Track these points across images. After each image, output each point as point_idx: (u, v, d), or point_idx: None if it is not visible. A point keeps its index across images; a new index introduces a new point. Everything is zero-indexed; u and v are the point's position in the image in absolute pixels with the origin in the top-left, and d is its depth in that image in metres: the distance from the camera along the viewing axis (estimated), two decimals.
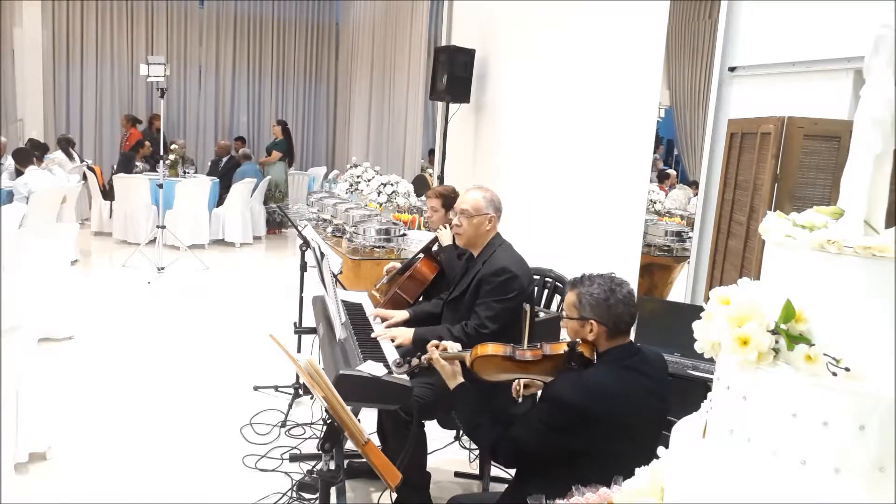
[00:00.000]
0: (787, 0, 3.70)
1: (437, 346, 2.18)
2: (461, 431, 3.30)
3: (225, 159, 9.84)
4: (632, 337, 2.05)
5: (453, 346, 2.18)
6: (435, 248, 3.52)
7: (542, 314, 3.49)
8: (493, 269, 2.61)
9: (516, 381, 2.22)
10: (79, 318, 4.86)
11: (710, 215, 4.06)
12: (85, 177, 8.68)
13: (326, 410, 1.97)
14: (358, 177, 6.12)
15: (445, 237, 3.43)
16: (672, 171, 5.20)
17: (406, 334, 2.70)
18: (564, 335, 2.12)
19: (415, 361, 2.12)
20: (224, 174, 9.34)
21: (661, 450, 1.37)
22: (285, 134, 9.65)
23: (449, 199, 3.59)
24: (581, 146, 5.54)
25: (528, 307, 2.13)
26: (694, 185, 4.70)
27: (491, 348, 2.05)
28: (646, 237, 4.86)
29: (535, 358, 2.02)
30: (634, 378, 1.91)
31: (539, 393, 2.35)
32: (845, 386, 1.02)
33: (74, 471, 3.04)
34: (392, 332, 2.74)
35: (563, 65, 5.83)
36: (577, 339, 1.97)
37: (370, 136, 11.27)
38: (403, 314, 2.93)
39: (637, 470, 1.42)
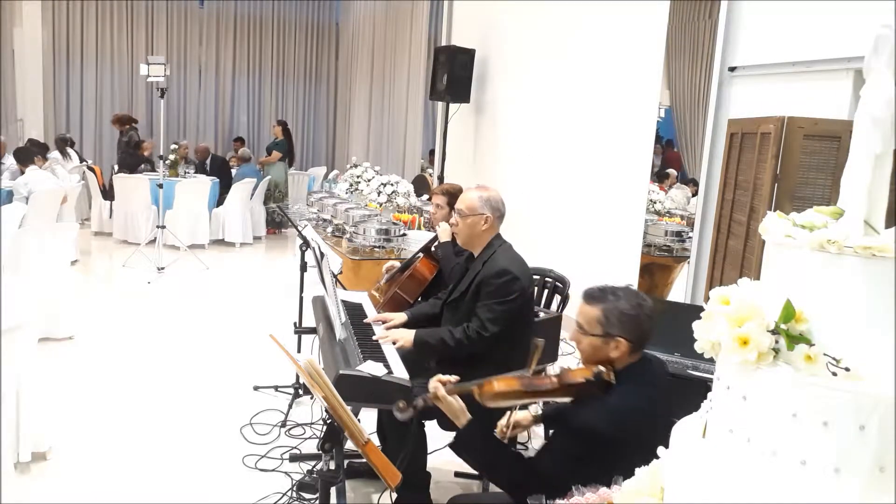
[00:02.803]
0: (787, 0, 3.70)
1: (441, 382, 1.99)
2: None
3: (209, 161, 9.83)
4: None
5: (456, 379, 2.03)
6: (434, 246, 3.52)
7: (542, 314, 3.49)
8: (493, 271, 2.60)
9: (503, 424, 2.08)
10: (79, 318, 4.86)
11: (710, 215, 4.06)
12: (84, 176, 8.69)
13: (326, 410, 1.96)
14: (358, 177, 6.11)
15: (444, 233, 3.43)
16: (672, 171, 5.20)
17: (407, 336, 2.68)
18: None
19: (420, 403, 1.99)
20: (219, 175, 9.31)
21: (661, 450, 1.37)
22: (285, 134, 9.65)
23: (455, 197, 3.59)
24: (581, 146, 5.54)
25: (540, 343, 1.93)
26: (692, 182, 4.70)
27: (503, 385, 1.88)
28: (646, 237, 4.86)
29: (552, 387, 1.87)
30: (652, 392, 1.84)
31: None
32: (845, 386, 1.02)
33: (75, 471, 3.03)
34: (393, 334, 2.73)
35: (563, 65, 5.83)
36: (601, 368, 1.82)
37: (370, 136, 11.27)
38: (402, 316, 2.92)
39: (637, 470, 1.42)
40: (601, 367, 1.82)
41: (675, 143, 5.09)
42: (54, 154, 9.07)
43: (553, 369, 1.90)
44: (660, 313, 2.01)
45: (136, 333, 4.99)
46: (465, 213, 2.72)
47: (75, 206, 7.37)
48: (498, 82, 7.03)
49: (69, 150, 9.58)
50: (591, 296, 1.91)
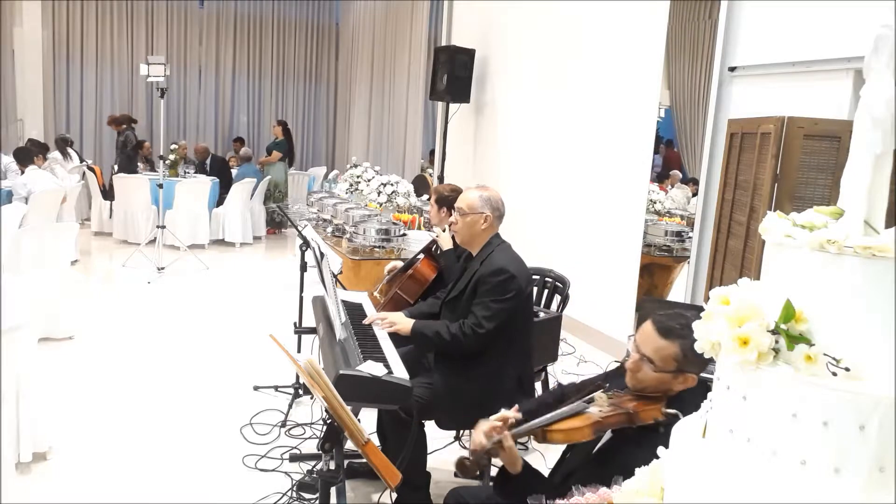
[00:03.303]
0: (787, 0, 3.70)
1: (503, 421, 1.88)
2: (461, 431, 3.30)
3: (209, 161, 9.82)
4: None
5: (512, 416, 1.91)
6: (434, 248, 3.51)
7: (542, 314, 3.49)
8: (491, 270, 2.60)
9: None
10: (79, 318, 4.86)
11: (710, 215, 4.06)
12: (84, 176, 8.69)
13: (326, 410, 1.96)
14: (358, 177, 6.12)
15: (445, 242, 3.43)
16: (676, 172, 5.20)
17: (405, 324, 2.69)
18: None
19: (483, 460, 1.90)
20: (219, 175, 9.31)
21: (661, 450, 1.36)
22: (286, 134, 9.65)
23: (443, 196, 3.61)
24: (581, 146, 5.54)
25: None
26: (693, 182, 4.70)
27: (576, 435, 1.78)
28: (646, 237, 4.86)
29: (621, 426, 1.76)
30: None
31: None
32: (845, 386, 1.02)
33: (75, 471, 3.03)
34: (391, 317, 2.74)
35: (562, 64, 5.83)
36: (677, 413, 1.68)
37: (370, 136, 11.27)
38: (400, 316, 2.92)
39: (637, 470, 1.41)
40: (677, 412, 1.69)
41: (675, 143, 5.09)
42: (54, 154, 9.07)
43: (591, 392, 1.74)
44: (654, 309, 1.88)
45: (136, 333, 4.99)
46: (465, 211, 2.72)
47: (75, 206, 7.37)
48: (498, 82, 7.03)
49: (69, 150, 9.58)
50: (669, 330, 1.77)
